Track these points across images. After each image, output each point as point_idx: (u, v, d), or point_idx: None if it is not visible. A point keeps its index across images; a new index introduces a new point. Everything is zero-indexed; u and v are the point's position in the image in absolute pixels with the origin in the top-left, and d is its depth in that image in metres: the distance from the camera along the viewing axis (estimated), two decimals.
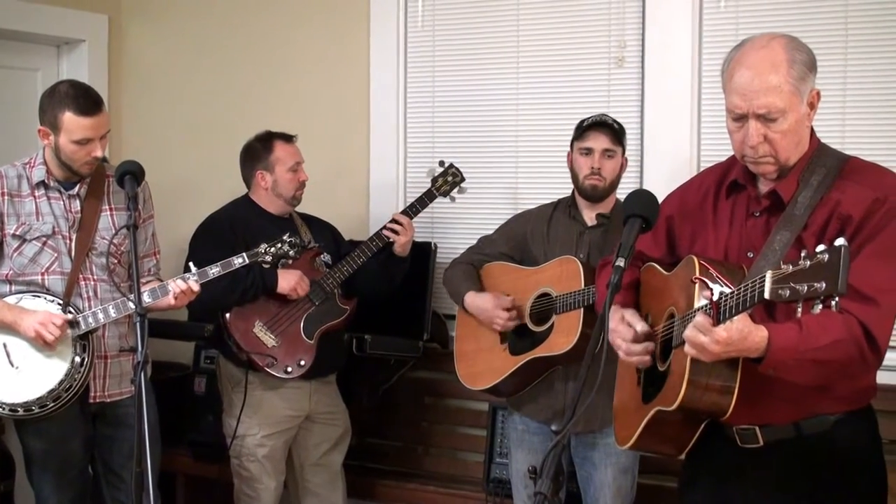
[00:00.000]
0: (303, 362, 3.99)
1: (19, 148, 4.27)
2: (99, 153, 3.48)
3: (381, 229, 4.14)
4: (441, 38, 4.65)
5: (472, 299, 3.73)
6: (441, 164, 4.20)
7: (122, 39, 5.32)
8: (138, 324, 2.98)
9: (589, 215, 3.64)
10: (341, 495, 4.29)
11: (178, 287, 3.45)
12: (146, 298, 3.39)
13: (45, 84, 4.93)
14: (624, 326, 2.58)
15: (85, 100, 3.44)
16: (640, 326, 2.57)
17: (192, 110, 5.23)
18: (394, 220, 4.11)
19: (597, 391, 2.16)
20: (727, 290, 2.17)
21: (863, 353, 2.28)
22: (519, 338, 3.64)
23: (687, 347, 2.29)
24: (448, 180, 4.17)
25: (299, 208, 4.23)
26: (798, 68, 2.36)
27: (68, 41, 5.11)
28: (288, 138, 4.17)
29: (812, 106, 2.43)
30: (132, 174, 3.36)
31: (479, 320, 3.74)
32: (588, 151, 3.58)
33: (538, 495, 2.09)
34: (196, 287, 3.48)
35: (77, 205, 3.56)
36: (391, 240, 4.11)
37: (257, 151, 4.14)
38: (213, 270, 3.52)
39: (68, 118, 3.40)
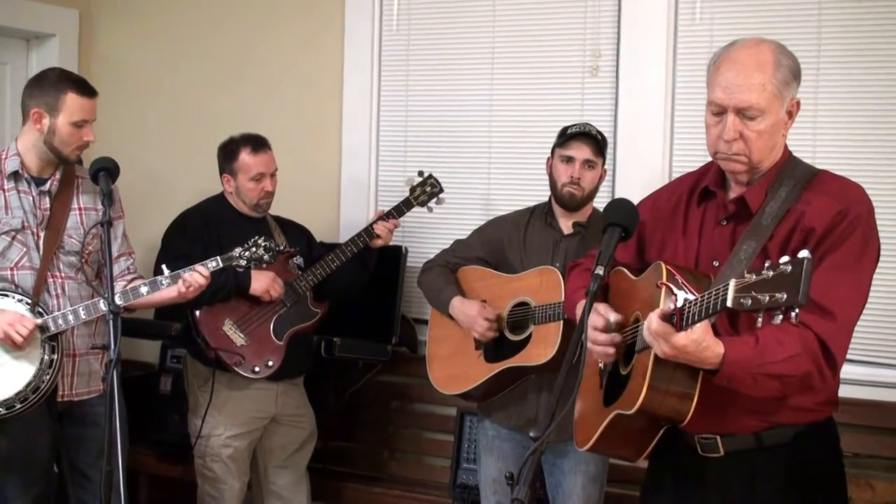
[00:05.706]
0: (271, 363, 3.97)
1: None
2: (91, 137, 3.50)
3: (356, 235, 4.09)
4: (415, 43, 4.66)
5: (461, 304, 3.66)
6: (420, 174, 4.16)
7: (92, 34, 5.28)
8: (111, 322, 2.96)
9: (565, 223, 3.62)
10: (305, 498, 4.27)
11: (192, 278, 3.40)
12: (143, 290, 3.40)
13: (13, 78, 4.90)
14: (595, 315, 2.55)
15: (84, 83, 3.50)
16: (613, 317, 2.54)
17: (163, 107, 5.19)
18: (376, 233, 4.07)
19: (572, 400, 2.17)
20: (691, 297, 2.19)
21: (819, 367, 2.29)
22: (494, 345, 3.61)
23: (646, 334, 2.28)
24: (426, 191, 4.14)
25: (272, 210, 4.20)
26: (783, 72, 2.39)
27: (38, 35, 5.06)
28: (257, 147, 4.06)
29: (790, 115, 2.46)
30: (107, 171, 3.36)
31: (455, 324, 3.70)
32: (569, 160, 3.55)
33: (515, 501, 2.09)
34: (207, 275, 3.45)
35: (47, 202, 3.52)
36: (373, 245, 4.09)
37: (224, 154, 4.11)
38: (212, 264, 3.48)
39: (71, 98, 3.42)
